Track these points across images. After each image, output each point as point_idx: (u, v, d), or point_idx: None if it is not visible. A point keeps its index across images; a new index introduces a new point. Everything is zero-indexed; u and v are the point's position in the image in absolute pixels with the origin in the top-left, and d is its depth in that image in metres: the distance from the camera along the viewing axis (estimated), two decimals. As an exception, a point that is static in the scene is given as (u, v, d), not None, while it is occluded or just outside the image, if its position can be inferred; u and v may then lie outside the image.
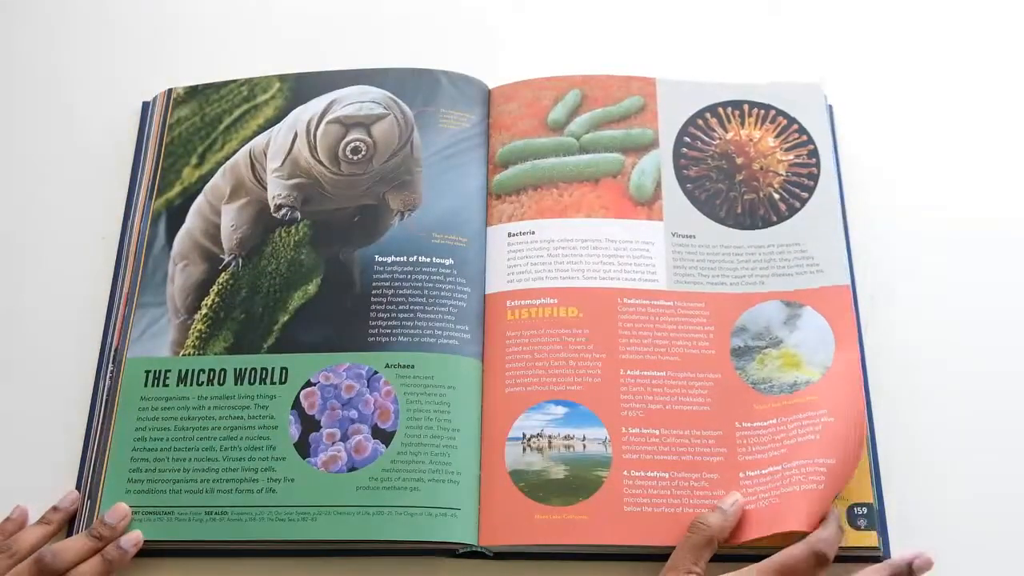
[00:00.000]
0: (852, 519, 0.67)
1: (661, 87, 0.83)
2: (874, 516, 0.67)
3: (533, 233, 0.77)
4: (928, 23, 0.91)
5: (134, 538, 0.68)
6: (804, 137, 0.81)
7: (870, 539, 0.66)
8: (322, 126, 0.80)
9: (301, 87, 0.83)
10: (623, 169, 0.80)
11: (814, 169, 0.79)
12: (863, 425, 0.69)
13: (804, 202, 0.78)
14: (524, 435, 0.70)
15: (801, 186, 0.79)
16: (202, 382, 0.73)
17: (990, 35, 0.90)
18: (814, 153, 0.80)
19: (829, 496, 0.66)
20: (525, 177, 0.80)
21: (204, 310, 0.76)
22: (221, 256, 0.78)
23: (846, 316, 0.73)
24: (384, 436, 0.70)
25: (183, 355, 0.75)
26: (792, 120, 0.81)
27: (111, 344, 0.76)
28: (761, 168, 0.80)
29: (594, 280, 0.75)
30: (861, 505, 0.67)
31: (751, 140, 0.80)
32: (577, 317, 0.74)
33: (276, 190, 0.79)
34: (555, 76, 0.84)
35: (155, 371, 0.74)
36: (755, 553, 0.67)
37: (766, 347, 0.73)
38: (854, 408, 0.69)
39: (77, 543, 0.67)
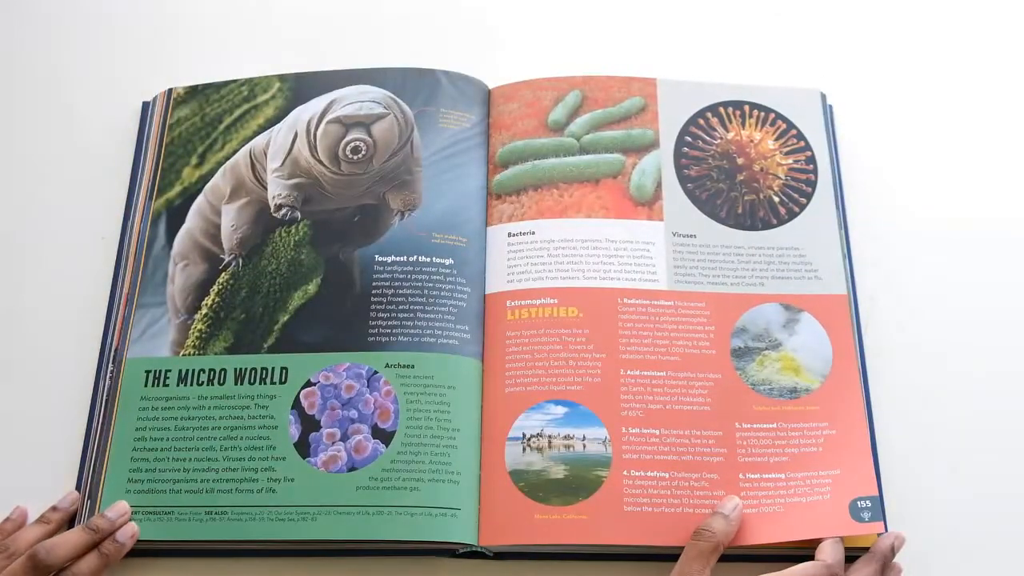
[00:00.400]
0: (856, 512, 0.67)
1: (662, 87, 0.83)
2: (879, 508, 0.67)
3: (533, 233, 0.77)
4: (929, 25, 0.91)
5: (129, 530, 0.68)
6: (802, 143, 0.81)
7: (876, 529, 0.66)
8: (322, 126, 0.80)
9: (301, 87, 0.83)
10: (623, 169, 0.80)
11: (812, 176, 0.80)
12: (866, 438, 0.69)
13: (803, 207, 0.78)
14: (524, 435, 0.70)
15: (800, 192, 0.79)
16: (202, 382, 0.73)
17: (991, 38, 0.90)
18: (811, 160, 0.80)
19: (837, 506, 0.66)
20: (525, 177, 0.80)
21: (204, 310, 0.76)
22: (221, 256, 0.78)
23: (844, 326, 0.74)
24: (384, 436, 0.70)
25: (183, 355, 0.75)
26: (791, 125, 0.82)
27: (111, 344, 0.76)
28: (762, 169, 0.80)
29: (594, 280, 0.75)
30: (865, 499, 0.67)
31: (752, 141, 0.81)
32: (577, 317, 0.74)
33: (276, 190, 0.79)
34: (555, 76, 0.84)
35: (155, 371, 0.74)
36: (756, 553, 0.67)
37: (766, 349, 0.73)
38: (856, 423, 0.70)
39: (72, 537, 0.67)
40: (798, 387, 0.72)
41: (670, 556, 0.66)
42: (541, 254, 0.76)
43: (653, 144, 0.81)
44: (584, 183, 0.79)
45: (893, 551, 0.66)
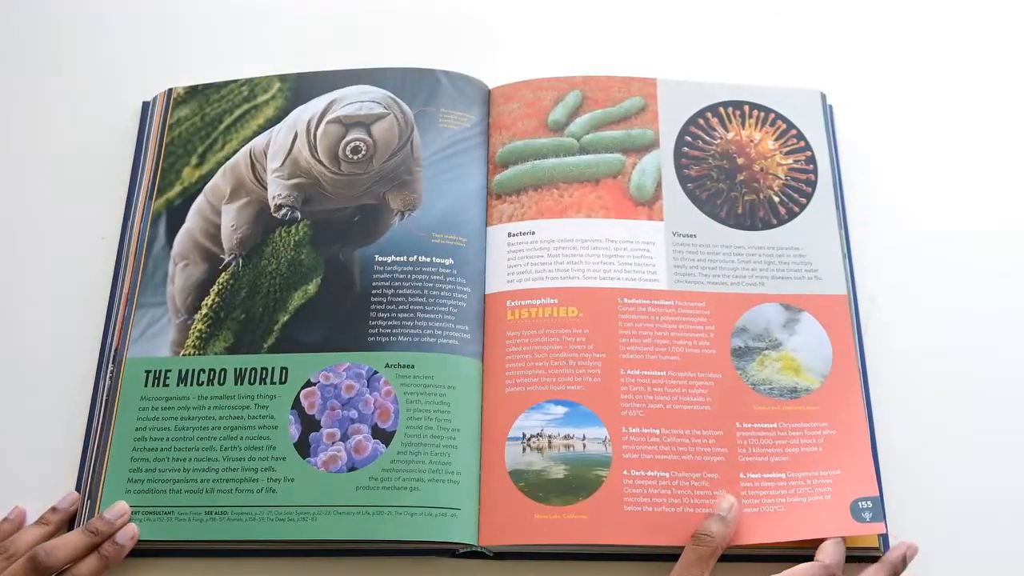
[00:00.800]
0: (856, 513, 0.66)
1: (662, 87, 0.83)
2: (880, 508, 0.67)
3: (533, 233, 0.77)
4: (929, 25, 0.91)
5: (130, 532, 0.68)
6: (802, 143, 0.81)
7: (877, 529, 0.66)
8: (322, 126, 0.80)
9: (301, 87, 0.83)
10: (623, 169, 0.80)
11: (812, 176, 0.80)
12: (866, 438, 0.70)
13: (803, 207, 0.78)
14: (524, 435, 0.70)
15: (800, 191, 0.79)
16: (202, 382, 0.73)
17: (990, 38, 0.90)
18: (811, 160, 0.80)
19: (838, 506, 0.66)
20: (525, 177, 0.80)
21: (204, 310, 0.76)
22: (221, 256, 0.78)
23: (844, 326, 0.74)
24: (384, 436, 0.70)
25: (183, 355, 0.75)
26: (791, 125, 0.81)
27: (111, 344, 0.76)
28: (762, 169, 0.80)
29: (594, 280, 0.75)
30: (866, 499, 0.67)
31: (752, 141, 0.81)
32: (577, 317, 0.74)
33: (276, 190, 0.79)
34: (555, 76, 0.84)
35: (155, 371, 0.74)
36: (756, 553, 0.67)
37: (766, 349, 0.73)
38: (856, 423, 0.70)
39: (72, 539, 0.67)
40: (798, 387, 0.72)
41: (670, 556, 0.66)
42: (541, 254, 0.76)
43: (653, 144, 0.81)
44: (584, 183, 0.79)
45: (905, 562, 0.65)
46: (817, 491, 0.68)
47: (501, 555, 0.69)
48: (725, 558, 0.65)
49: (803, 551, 0.66)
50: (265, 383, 0.73)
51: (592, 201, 0.78)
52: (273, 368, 0.73)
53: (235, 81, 0.85)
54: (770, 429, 0.70)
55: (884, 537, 0.68)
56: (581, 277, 0.75)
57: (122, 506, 0.69)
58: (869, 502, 0.67)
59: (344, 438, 0.70)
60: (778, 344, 0.73)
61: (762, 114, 0.82)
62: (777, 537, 0.66)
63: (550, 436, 0.70)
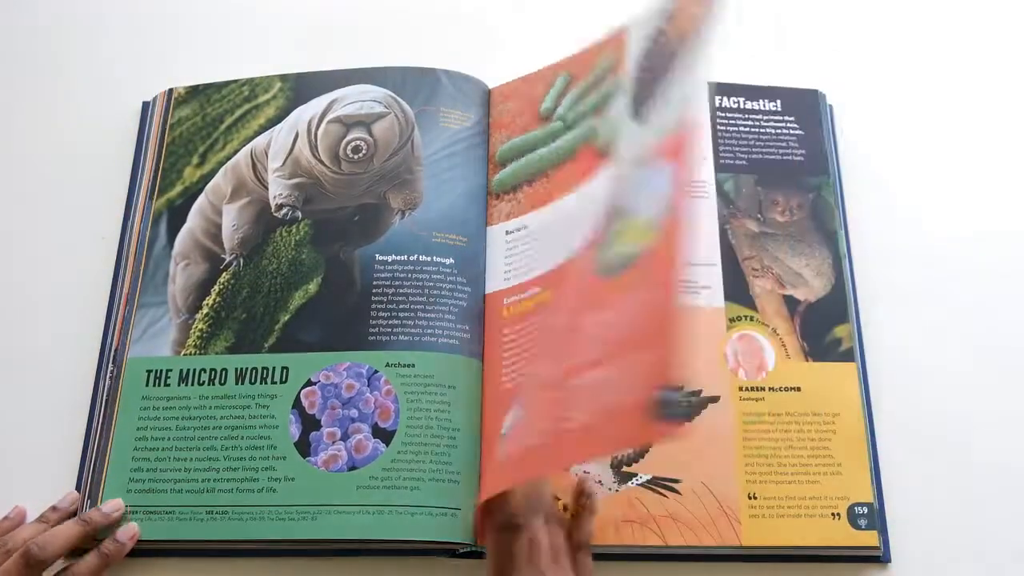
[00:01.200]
0: (852, 519, 0.66)
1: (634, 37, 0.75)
2: (874, 516, 0.67)
3: (526, 227, 0.77)
4: (930, 26, 0.91)
5: (130, 531, 0.68)
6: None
7: (871, 539, 0.66)
8: (323, 125, 0.80)
9: (302, 87, 0.83)
10: (595, 132, 0.78)
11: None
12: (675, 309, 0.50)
13: None
14: (524, 434, 0.70)
15: None
16: (203, 381, 0.73)
17: (990, 39, 0.90)
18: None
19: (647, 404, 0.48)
20: (522, 173, 0.79)
21: (205, 309, 0.76)
22: (222, 256, 0.78)
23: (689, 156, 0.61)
24: (384, 435, 0.70)
25: (184, 355, 0.75)
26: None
27: (111, 344, 0.76)
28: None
29: (573, 251, 0.70)
30: (862, 504, 0.67)
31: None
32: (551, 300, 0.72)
33: (277, 190, 0.79)
34: (544, 66, 0.82)
35: (156, 371, 0.74)
36: (755, 554, 0.67)
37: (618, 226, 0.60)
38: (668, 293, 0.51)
39: (64, 530, 0.67)
40: (632, 252, 0.55)
41: (671, 556, 0.66)
42: (531, 246, 0.76)
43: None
44: (567, 161, 0.78)
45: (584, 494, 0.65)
46: (633, 387, 0.50)
47: (501, 554, 0.69)
48: (686, 558, 0.65)
49: (803, 551, 0.66)
50: (266, 382, 0.73)
51: (571, 175, 0.77)
52: (274, 367, 0.73)
53: (236, 81, 0.85)
54: (600, 321, 0.56)
55: (884, 540, 0.67)
56: (564, 254, 0.72)
57: (117, 502, 0.69)
58: (865, 507, 0.65)
59: (344, 437, 0.70)
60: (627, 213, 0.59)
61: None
62: (588, 455, 0.62)
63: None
